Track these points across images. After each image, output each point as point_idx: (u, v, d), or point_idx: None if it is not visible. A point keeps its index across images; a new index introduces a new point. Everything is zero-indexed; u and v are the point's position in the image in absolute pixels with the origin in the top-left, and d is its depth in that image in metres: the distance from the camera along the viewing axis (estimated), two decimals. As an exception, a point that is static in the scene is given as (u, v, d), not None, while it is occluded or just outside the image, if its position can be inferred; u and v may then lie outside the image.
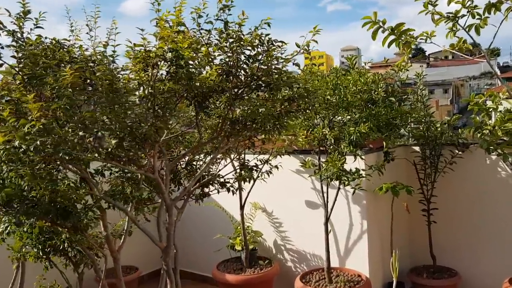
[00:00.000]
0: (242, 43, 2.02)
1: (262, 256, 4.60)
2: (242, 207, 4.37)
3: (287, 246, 4.61)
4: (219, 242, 4.76)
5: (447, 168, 4.21)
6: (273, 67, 2.15)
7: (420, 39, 4.16)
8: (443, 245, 4.35)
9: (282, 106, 2.27)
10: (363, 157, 3.58)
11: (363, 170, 3.57)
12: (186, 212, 5.23)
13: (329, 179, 3.39)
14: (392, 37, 3.97)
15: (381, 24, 3.92)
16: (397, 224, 4.34)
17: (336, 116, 3.37)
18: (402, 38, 3.96)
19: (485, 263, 4.18)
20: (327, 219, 3.87)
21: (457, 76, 62.55)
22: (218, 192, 3.16)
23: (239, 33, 2.05)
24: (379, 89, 3.34)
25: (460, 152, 4.21)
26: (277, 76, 2.16)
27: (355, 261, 4.13)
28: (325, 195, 3.92)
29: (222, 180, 3.14)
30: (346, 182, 3.29)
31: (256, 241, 4.60)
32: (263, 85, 2.14)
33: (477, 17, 3.99)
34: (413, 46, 4.12)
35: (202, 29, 2.12)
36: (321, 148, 3.73)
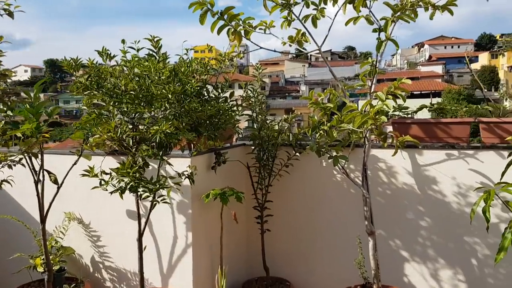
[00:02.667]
0: None
1: (74, 276, 3.82)
2: (43, 220, 3.52)
3: (105, 263, 3.89)
4: (23, 261, 3.87)
5: (284, 171, 3.87)
6: None
7: (259, 29, 3.77)
8: (278, 255, 4.02)
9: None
10: (170, 161, 3.01)
11: (171, 177, 2.99)
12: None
13: (120, 191, 2.75)
14: (222, 23, 3.52)
15: (209, 6, 3.41)
16: (234, 234, 3.91)
17: (143, 112, 2.74)
18: (233, 24, 3.51)
19: (320, 274, 3.94)
20: (141, 234, 3.25)
21: (331, 77, 66.96)
22: None
23: None
24: (192, 81, 2.79)
25: (297, 154, 3.89)
26: None
27: (179, 280, 3.57)
28: (141, 205, 3.30)
29: None
30: (145, 194, 2.69)
31: (64, 260, 3.80)
32: None
33: (313, 7, 3.69)
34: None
35: None
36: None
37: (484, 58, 64.73)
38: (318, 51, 3.71)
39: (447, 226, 3.51)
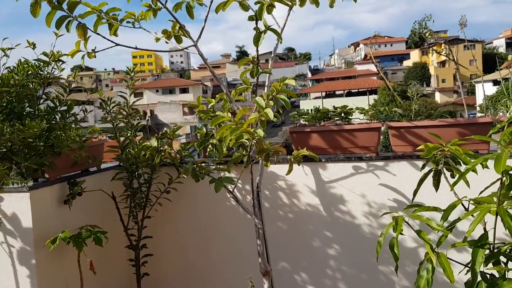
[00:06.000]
0: None
1: None
2: None
3: None
4: None
5: (165, 199, 3.12)
6: None
7: (127, 22, 3.02)
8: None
9: None
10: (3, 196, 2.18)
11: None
12: None
13: None
14: (62, 14, 2.72)
15: (42, -5, 2.60)
16: (110, 283, 3.11)
17: None
18: (76, 15, 2.73)
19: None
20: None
21: (274, 78, 67.13)
22: None
23: None
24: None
25: (184, 176, 3.16)
26: None
27: None
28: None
29: None
30: None
31: None
32: None
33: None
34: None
35: None
36: None
37: (415, 55, 67.40)
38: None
39: (358, 254, 2.92)
